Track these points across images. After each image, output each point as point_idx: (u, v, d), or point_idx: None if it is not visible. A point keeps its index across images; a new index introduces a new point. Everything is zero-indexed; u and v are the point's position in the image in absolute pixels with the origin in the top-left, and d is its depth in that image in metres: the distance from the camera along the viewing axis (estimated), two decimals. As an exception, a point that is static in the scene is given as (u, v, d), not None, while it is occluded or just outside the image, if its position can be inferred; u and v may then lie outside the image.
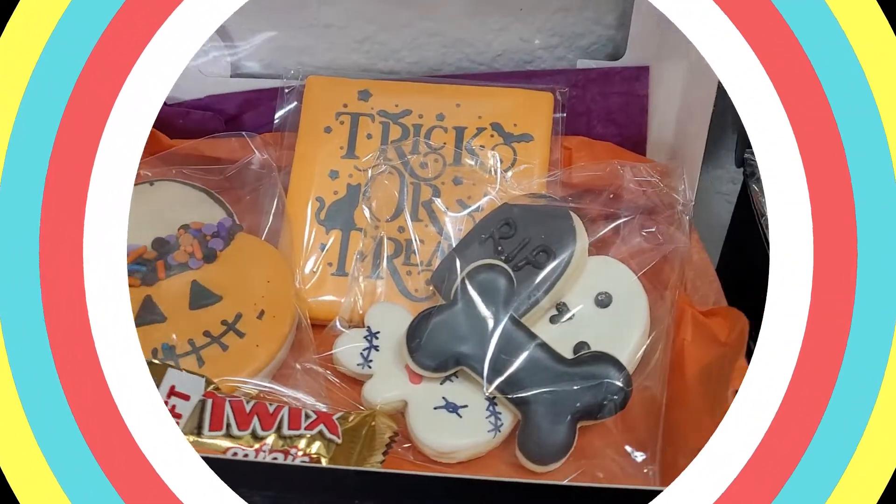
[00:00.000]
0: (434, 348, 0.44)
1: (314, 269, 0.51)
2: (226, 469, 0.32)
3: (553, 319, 0.47)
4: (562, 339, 0.46)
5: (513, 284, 0.45)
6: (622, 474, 0.42)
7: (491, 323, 0.44)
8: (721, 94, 0.48)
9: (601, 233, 0.48)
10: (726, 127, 0.55)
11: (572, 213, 0.48)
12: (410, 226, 0.52)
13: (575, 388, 0.42)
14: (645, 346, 0.45)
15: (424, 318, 0.45)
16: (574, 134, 0.56)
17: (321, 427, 0.41)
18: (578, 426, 0.43)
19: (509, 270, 0.45)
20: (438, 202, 0.52)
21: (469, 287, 0.45)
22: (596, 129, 0.57)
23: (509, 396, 0.43)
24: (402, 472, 0.37)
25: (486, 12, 0.55)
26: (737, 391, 0.36)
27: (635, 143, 0.57)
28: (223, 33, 0.56)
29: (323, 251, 0.52)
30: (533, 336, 0.44)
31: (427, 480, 0.35)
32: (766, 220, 0.49)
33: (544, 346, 0.44)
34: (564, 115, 0.55)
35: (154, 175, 0.53)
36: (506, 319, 0.44)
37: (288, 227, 0.52)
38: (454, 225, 0.51)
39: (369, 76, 0.57)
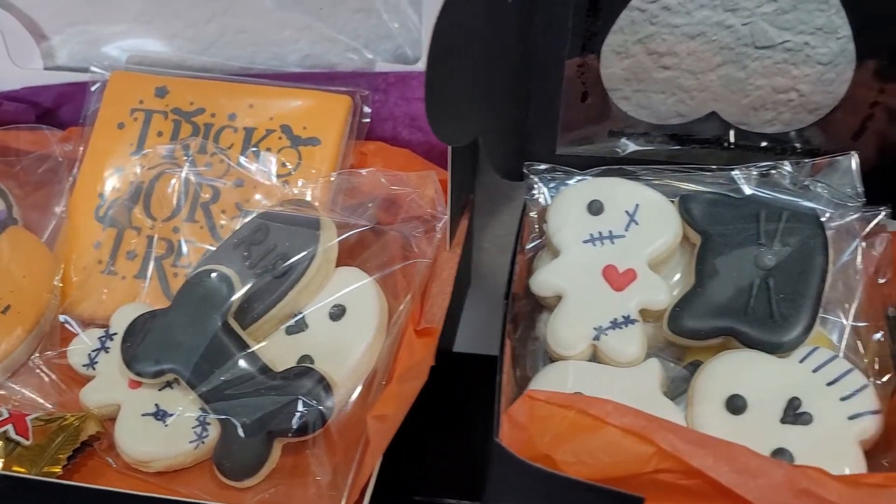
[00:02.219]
0: (145, 353, 0.43)
1: (85, 267, 0.51)
2: None
3: (289, 330, 0.45)
4: (291, 351, 0.44)
5: (232, 291, 0.43)
6: (315, 498, 0.41)
7: (203, 330, 0.43)
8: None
9: (345, 235, 0.46)
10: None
11: (323, 222, 0.46)
12: (185, 227, 0.51)
13: (273, 402, 0.41)
14: (375, 363, 0.44)
15: (142, 322, 0.44)
16: (381, 139, 0.54)
17: (7, 427, 0.41)
18: (281, 443, 0.41)
19: (230, 277, 0.44)
20: (214, 206, 0.51)
21: (187, 292, 0.44)
22: (402, 134, 0.55)
23: (211, 406, 0.42)
24: (41, 479, 0.36)
25: (288, 10, 0.54)
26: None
27: (443, 150, 0.54)
28: (35, 26, 0.56)
29: (96, 249, 0.51)
30: (244, 346, 0.43)
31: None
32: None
33: (252, 358, 0.42)
34: (368, 119, 0.54)
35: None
36: (217, 327, 0.43)
37: (67, 224, 0.52)
38: (228, 229, 0.50)
39: (179, 73, 0.56)
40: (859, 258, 0.44)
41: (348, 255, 0.47)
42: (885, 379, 0.41)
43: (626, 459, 0.34)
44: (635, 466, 0.34)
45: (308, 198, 0.50)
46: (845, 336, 0.43)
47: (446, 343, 0.48)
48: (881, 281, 0.44)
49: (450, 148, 0.43)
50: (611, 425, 0.35)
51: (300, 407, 0.40)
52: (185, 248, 0.50)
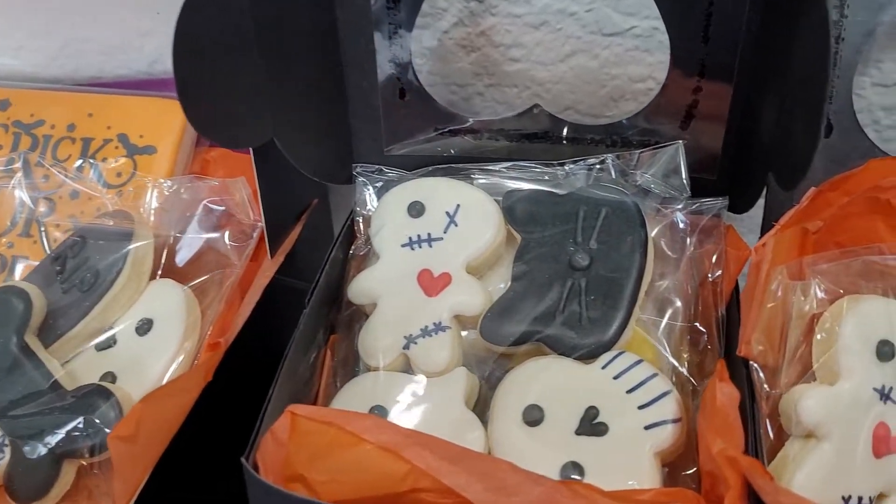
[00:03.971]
0: (-58, 374, 0.42)
1: (-82, 286, 0.50)
2: None
3: (99, 346, 0.44)
4: (97, 369, 0.42)
5: (30, 308, 0.42)
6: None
7: (-4, 348, 0.41)
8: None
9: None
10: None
11: (137, 233, 0.44)
12: (19, 243, 0.50)
13: (59, 422, 0.39)
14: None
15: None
16: (230, 145, 0.53)
17: None
18: (74, 464, 0.40)
19: (29, 293, 0.42)
20: (49, 219, 0.50)
21: (-16, 310, 0.42)
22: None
23: (1, 426, 0.40)
24: None
25: (128, 15, 0.53)
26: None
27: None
28: None
29: (-71, 267, 0.50)
30: (38, 364, 0.41)
31: None
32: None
33: (44, 376, 0.41)
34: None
35: None
36: (12, 345, 0.41)
37: None
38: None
39: (24, 85, 0.55)
40: (688, 255, 0.41)
41: (169, 266, 0.46)
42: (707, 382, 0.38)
43: (380, 478, 0.32)
44: (389, 485, 0.32)
45: (144, 208, 0.49)
46: (673, 338, 0.40)
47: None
48: (712, 278, 0.41)
49: (251, 151, 0.42)
50: (367, 442, 0.33)
51: (85, 426, 0.39)
52: (18, 265, 0.49)
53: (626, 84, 0.51)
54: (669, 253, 0.42)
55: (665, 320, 0.41)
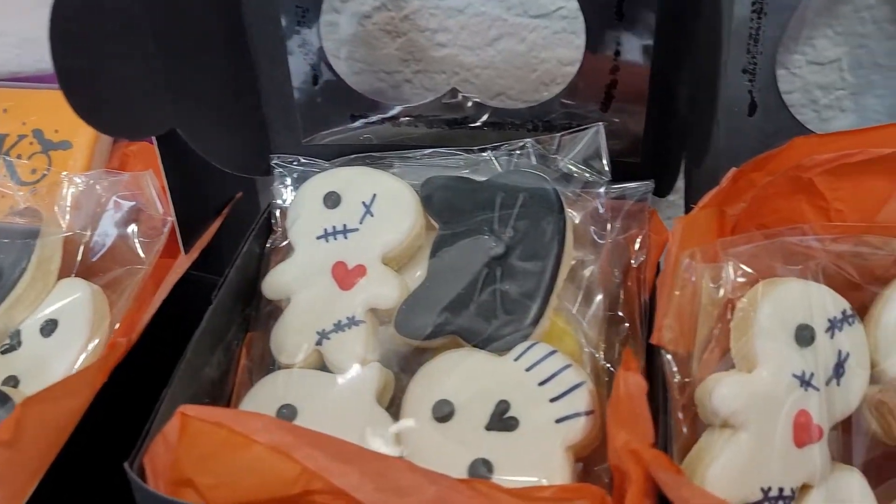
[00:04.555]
0: None
1: None
2: None
3: (4, 349, 0.42)
4: (0, 372, 0.41)
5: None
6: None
7: None
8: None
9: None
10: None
11: (44, 231, 0.43)
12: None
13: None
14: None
15: None
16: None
17: None
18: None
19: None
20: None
21: None
22: (172, 132, 0.51)
23: None
24: None
25: (43, 10, 0.51)
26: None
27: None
28: None
29: None
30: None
31: None
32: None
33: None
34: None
35: None
36: None
37: None
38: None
39: (-60, 82, 0.53)
40: (610, 241, 0.40)
41: (84, 264, 0.44)
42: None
43: (271, 481, 0.31)
44: (281, 488, 0.31)
45: (59, 205, 0.47)
46: (594, 327, 0.39)
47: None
48: (635, 264, 0.40)
49: (155, 142, 0.40)
50: (258, 443, 0.31)
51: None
52: (-72, 267, 0.47)
53: (556, 68, 0.50)
54: (592, 239, 0.40)
55: (586, 308, 0.39)
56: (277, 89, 0.43)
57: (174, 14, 0.37)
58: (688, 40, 0.38)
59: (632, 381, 0.31)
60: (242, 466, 0.31)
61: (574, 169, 0.40)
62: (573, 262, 0.40)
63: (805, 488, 0.34)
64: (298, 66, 0.43)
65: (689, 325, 0.33)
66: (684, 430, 0.33)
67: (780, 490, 0.32)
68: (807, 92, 0.49)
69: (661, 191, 0.41)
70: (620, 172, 0.41)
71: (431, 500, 0.29)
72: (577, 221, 0.40)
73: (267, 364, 0.41)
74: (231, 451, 0.31)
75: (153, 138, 0.40)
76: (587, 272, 0.40)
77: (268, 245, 0.43)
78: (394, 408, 0.37)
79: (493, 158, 0.42)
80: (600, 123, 0.40)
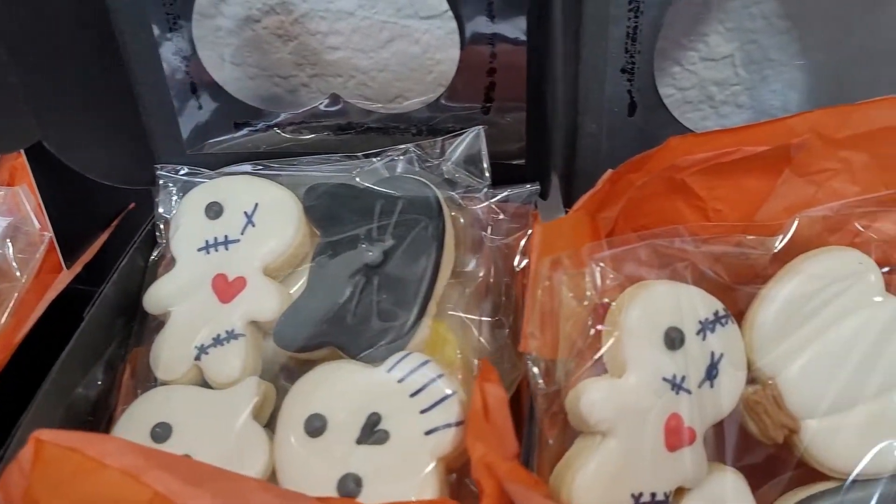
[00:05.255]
0: None
1: None
2: None
3: None
4: None
5: None
6: None
7: None
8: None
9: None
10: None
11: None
12: None
13: None
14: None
15: None
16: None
17: None
18: None
19: None
20: None
21: None
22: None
23: None
24: None
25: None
26: None
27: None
28: None
29: None
30: None
31: None
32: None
33: None
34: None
35: None
36: None
37: None
38: None
39: None
40: (493, 246, 0.39)
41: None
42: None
43: (123, 506, 0.30)
44: (133, 513, 0.30)
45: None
46: (476, 333, 0.38)
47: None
48: (519, 268, 0.39)
49: (24, 155, 0.39)
50: (109, 467, 0.30)
51: None
52: None
53: (452, 69, 0.49)
54: (476, 244, 0.40)
55: (471, 315, 0.39)
56: (156, 98, 0.42)
57: (31, 22, 0.36)
58: (564, 40, 0.37)
59: (491, 393, 0.30)
60: (94, 492, 0.30)
61: (457, 173, 0.40)
62: (461, 269, 0.40)
63: (680, 491, 0.33)
64: (175, 75, 0.42)
65: (552, 332, 0.33)
66: (550, 441, 0.32)
67: (653, 495, 0.32)
68: (703, 88, 0.48)
69: (545, 193, 0.40)
70: (507, 175, 0.41)
71: (284, 522, 0.29)
72: (461, 226, 0.40)
73: (151, 380, 0.40)
74: (83, 477, 0.30)
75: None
76: (471, 278, 0.39)
77: (152, 258, 0.42)
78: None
79: (379, 164, 0.41)
80: (480, 127, 0.40)
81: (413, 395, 0.34)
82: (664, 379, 0.33)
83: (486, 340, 0.38)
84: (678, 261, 0.35)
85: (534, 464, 0.31)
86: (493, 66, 0.39)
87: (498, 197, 0.40)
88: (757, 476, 0.36)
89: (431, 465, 0.33)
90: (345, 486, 0.33)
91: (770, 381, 0.35)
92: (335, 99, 0.42)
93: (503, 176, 0.41)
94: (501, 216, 0.40)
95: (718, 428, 0.35)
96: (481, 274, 0.39)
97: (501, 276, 0.40)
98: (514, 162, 0.41)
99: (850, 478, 0.34)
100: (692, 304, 0.34)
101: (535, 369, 0.32)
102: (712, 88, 0.48)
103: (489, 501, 0.28)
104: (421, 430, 0.33)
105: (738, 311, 0.36)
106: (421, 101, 0.48)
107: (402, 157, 0.41)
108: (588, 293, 0.33)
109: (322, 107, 0.42)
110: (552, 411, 0.33)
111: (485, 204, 0.40)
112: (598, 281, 0.33)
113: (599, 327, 0.33)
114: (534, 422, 0.32)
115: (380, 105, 0.48)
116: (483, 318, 0.39)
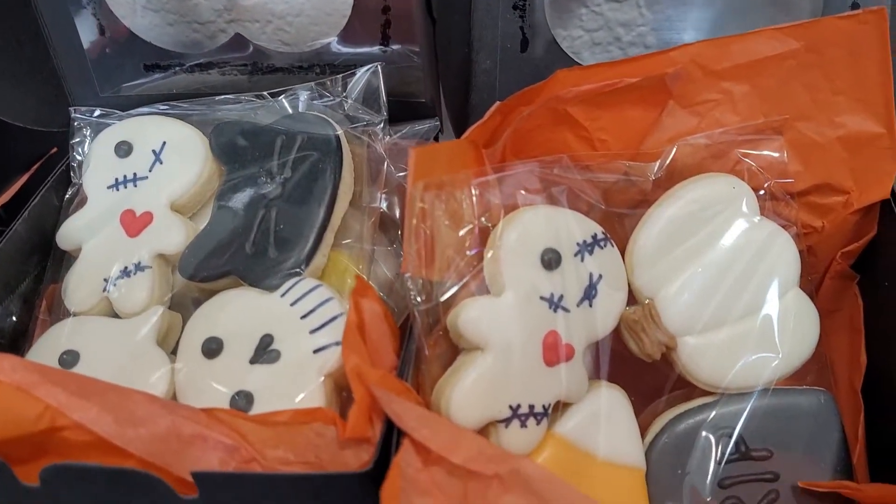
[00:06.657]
0: None
1: None
2: None
3: None
4: None
5: None
6: None
7: None
8: None
9: None
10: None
11: None
12: None
13: None
14: None
15: None
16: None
17: None
18: None
19: None
20: None
21: None
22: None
23: None
24: None
25: None
26: None
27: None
28: None
29: None
30: None
31: None
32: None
33: None
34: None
35: None
36: None
37: None
38: None
39: None
40: (389, 178, 0.41)
41: None
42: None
43: (16, 419, 0.31)
44: (26, 425, 0.31)
45: None
46: (381, 263, 0.40)
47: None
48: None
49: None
50: (2, 382, 0.32)
51: None
52: None
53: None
54: (375, 178, 0.41)
55: (374, 244, 0.40)
56: (66, 41, 0.43)
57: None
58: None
59: (366, 308, 0.32)
60: (-10, 407, 0.32)
61: (357, 110, 0.41)
62: (362, 202, 0.41)
63: (565, 405, 0.35)
64: (85, 19, 0.42)
65: (429, 253, 0.34)
66: (429, 357, 0.34)
67: (531, 407, 0.34)
68: (610, 30, 0.49)
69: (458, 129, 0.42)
70: (413, 112, 0.42)
71: (166, 429, 0.30)
72: (361, 159, 0.41)
73: (65, 315, 0.42)
74: (-21, 393, 0.32)
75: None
76: (372, 210, 0.41)
77: (66, 197, 0.44)
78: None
79: (283, 103, 0.43)
80: (377, 63, 0.41)
81: (304, 316, 0.36)
82: (541, 297, 0.34)
83: (387, 269, 0.40)
84: (555, 185, 0.36)
85: (408, 375, 0.32)
86: (387, 5, 0.40)
87: (400, 133, 0.41)
88: (644, 394, 0.38)
89: (319, 381, 0.34)
90: (236, 403, 0.34)
91: (648, 301, 0.37)
92: (238, 41, 0.43)
93: (410, 113, 0.42)
94: (401, 152, 0.41)
95: (603, 347, 0.36)
96: (382, 206, 0.41)
97: (400, 209, 0.41)
98: (416, 99, 0.42)
99: (720, 390, 0.36)
100: (569, 227, 0.35)
101: (413, 288, 0.34)
102: (619, 30, 0.49)
103: (357, 407, 0.30)
104: (310, 349, 0.35)
105: (625, 237, 0.38)
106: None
107: (305, 95, 0.42)
108: (466, 216, 0.35)
109: (226, 48, 0.43)
110: (433, 330, 0.34)
111: (386, 139, 0.41)
112: (476, 205, 0.35)
113: (478, 250, 0.35)
114: (412, 338, 0.33)
115: (299, 49, 0.49)
116: (383, 248, 0.40)
